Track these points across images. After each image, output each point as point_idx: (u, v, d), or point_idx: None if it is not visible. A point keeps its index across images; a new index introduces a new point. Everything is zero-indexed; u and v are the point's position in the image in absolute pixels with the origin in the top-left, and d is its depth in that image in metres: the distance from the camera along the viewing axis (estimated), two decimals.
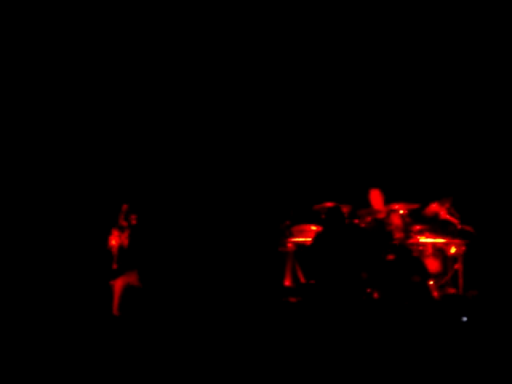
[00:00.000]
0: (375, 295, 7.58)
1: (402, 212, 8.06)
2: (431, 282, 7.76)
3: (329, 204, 8.19)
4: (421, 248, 7.96)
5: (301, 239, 8.25)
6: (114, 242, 7.85)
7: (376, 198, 8.30)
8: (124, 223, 7.91)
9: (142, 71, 9.43)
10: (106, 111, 9.51)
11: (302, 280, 8.13)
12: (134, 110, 9.55)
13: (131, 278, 7.82)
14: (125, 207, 7.93)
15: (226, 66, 9.49)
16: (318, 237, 7.59)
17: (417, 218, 8.13)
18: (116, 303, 7.69)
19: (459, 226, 8.01)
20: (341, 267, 7.28)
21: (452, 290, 7.85)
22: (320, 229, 7.92)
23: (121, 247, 7.86)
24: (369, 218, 8.11)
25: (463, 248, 7.92)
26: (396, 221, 8.05)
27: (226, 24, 9.23)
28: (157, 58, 9.41)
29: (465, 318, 7.06)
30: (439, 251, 7.96)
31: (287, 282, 8.23)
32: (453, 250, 7.95)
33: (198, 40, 9.36)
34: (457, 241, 7.95)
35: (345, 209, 8.10)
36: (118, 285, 7.73)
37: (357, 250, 7.77)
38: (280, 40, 9.32)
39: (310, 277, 7.81)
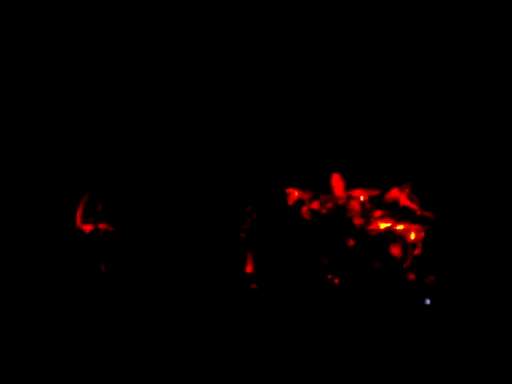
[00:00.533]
0: (336, 281, 7.64)
1: (361, 198, 8.11)
2: (392, 268, 7.83)
3: (290, 190, 8.28)
4: (381, 234, 8.01)
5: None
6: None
7: (337, 183, 8.35)
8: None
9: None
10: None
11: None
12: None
13: None
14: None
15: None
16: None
17: (377, 204, 8.19)
18: None
19: (419, 212, 8.08)
20: (299, 254, 7.32)
21: (412, 276, 7.91)
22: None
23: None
24: (329, 204, 8.15)
25: (422, 234, 8.00)
26: (356, 207, 8.11)
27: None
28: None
29: (428, 301, 7.15)
30: (399, 237, 8.02)
31: (248, 269, 8.23)
32: (412, 235, 8.01)
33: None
34: (416, 226, 8.02)
35: (306, 195, 8.17)
36: None
37: (316, 235, 7.86)
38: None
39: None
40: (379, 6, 9.10)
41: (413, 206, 8.11)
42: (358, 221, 8.02)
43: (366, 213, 8.06)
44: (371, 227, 7.98)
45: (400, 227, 8.00)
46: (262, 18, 9.25)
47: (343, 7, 9.16)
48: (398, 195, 8.17)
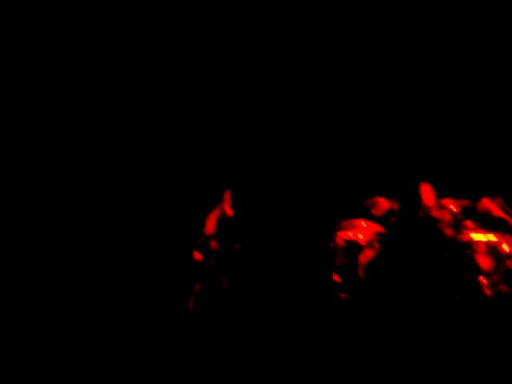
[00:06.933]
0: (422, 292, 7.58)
1: (453, 208, 8.01)
2: (483, 280, 7.72)
3: (379, 199, 8.21)
4: (472, 245, 7.90)
5: (351, 234, 8.20)
6: None
7: (427, 192, 8.24)
8: None
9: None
10: None
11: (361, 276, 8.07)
12: None
13: None
14: None
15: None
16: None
17: (468, 214, 8.07)
18: None
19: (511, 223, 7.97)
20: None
21: (505, 288, 7.79)
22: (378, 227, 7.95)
23: None
24: (420, 214, 8.06)
25: None
26: (447, 217, 8.01)
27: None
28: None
29: None
30: (491, 248, 7.90)
31: (336, 278, 8.18)
32: (505, 247, 7.89)
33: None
34: (509, 238, 7.89)
35: (395, 205, 8.11)
36: None
37: (406, 246, 7.80)
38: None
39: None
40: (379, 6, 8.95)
41: (505, 216, 8.00)
42: (448, 231, 7.92)
43: (457, 223, 7.97)
44: (463, 238, 7.88)
45: (493, 238, 7.90)
46: (262, 18, 9.19)
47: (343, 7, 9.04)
48: (490, 205, 8.06)
